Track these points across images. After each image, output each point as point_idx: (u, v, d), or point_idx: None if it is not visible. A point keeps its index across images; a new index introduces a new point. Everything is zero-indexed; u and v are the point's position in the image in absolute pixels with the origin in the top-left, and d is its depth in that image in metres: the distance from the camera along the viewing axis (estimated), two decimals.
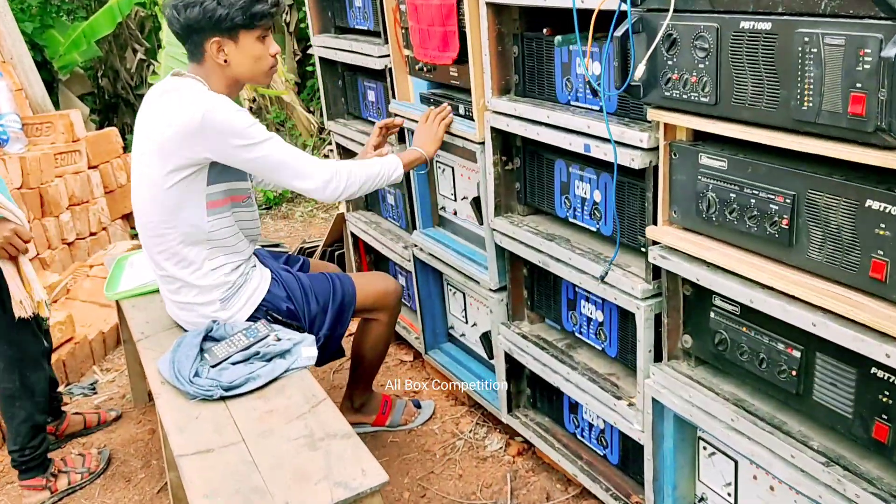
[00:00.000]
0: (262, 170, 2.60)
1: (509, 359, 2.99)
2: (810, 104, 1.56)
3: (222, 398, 2.42)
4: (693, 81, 1.82)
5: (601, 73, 2.22)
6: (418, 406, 3.50)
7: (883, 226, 1.54)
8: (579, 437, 2.85)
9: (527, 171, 2.75)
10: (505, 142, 2.74)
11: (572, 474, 2.77)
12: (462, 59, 2.78)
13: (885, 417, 1.67)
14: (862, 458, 1.76)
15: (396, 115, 3.21)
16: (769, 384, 1.94)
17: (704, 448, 2.28)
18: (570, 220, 2.59)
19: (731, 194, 1.86)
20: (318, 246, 4.75)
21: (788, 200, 1.72)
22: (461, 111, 2.91)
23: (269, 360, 2.55)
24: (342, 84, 4.04)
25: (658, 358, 2.27)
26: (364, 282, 2.98)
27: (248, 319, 2.73)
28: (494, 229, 2.83)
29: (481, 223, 2.98)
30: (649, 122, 2.08)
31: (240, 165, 2.56)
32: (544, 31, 2.47)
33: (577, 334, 2.72)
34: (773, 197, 1.76)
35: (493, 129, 2.69)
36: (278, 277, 2.85)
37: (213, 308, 2.70)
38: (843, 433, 1.78)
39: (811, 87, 1.55)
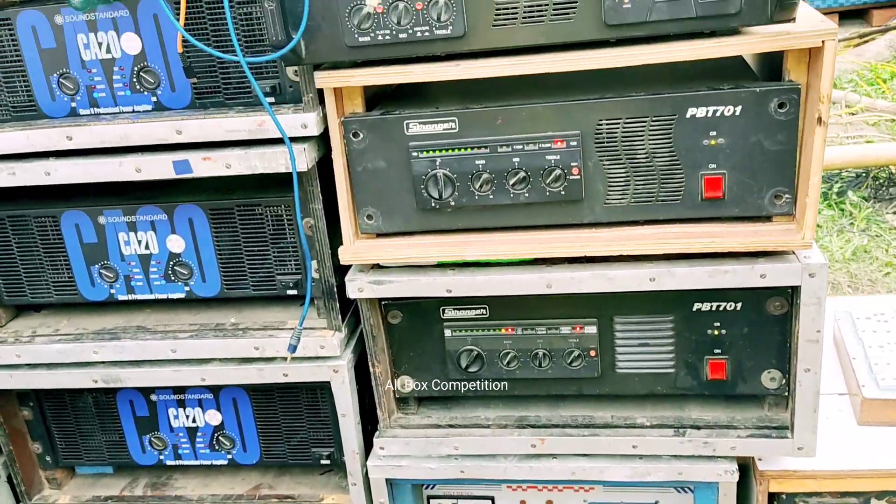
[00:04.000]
0: None
1: None
2: None
3: None
4: (418, 8, 1.22)
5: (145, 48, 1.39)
6: None
7: (713, 133, 1.29)
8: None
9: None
10: None
11: None
12: None
13: (719, 351, 1.47)
14: (706, 408, 1.54)
15: None
16: (554, 382, 1.54)
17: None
18: (121, 298, 1.62)
19: (478, 162, 1.36)
20: None
21: (574, 143, 1.32)
22: None
23: None
24: None
25: (370, 424, 1.62)
26: None
27: None
28: None
29: None
30: (288, 102, 1.38)
31: None
32: None
33: (165, 463, 1.77)
34: (549, 146, 1.33)
35: None
36: None
37: None
38: (668, 393, 1.53)
39: None
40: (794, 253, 1.34)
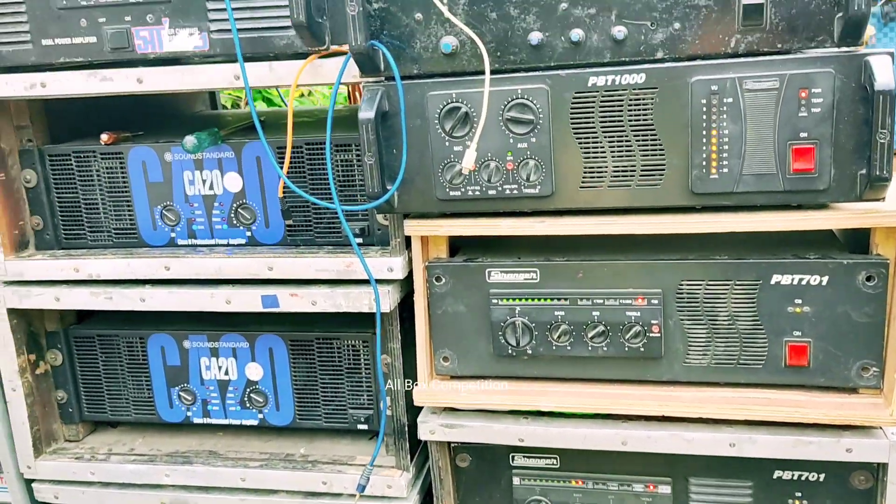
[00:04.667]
0: None
1: None
2: (725, 170, 1.21)
3: None
4: (509, 168, 1.27)
5: (245, 185, 1.47)
6: None
7: (798, 301, 1.29)
8: None
9: (77, 368, 1.67)
10: (27, 330, 1.62)
11: None
12: None
13: None
14: None
15: None
16: None
17: None
18: (196, 421, 1.65)
19: (557, 313, 1.37)
20: None
21: (655, 301, 1.33)
22: None
23: None
24: None
25: None
26: None
27: None
28: (37, 480, 1.65)
29: None
30: (375, 244, 1.43)
31: None
32: (103, 137, 1.52)
33: None
34: (629, 302, 1.34)
35: (15, 312, 1.55)
36: None
37: None
38: None
39: (725, 147, 1.20)
40: (880, 427, 1.30)
